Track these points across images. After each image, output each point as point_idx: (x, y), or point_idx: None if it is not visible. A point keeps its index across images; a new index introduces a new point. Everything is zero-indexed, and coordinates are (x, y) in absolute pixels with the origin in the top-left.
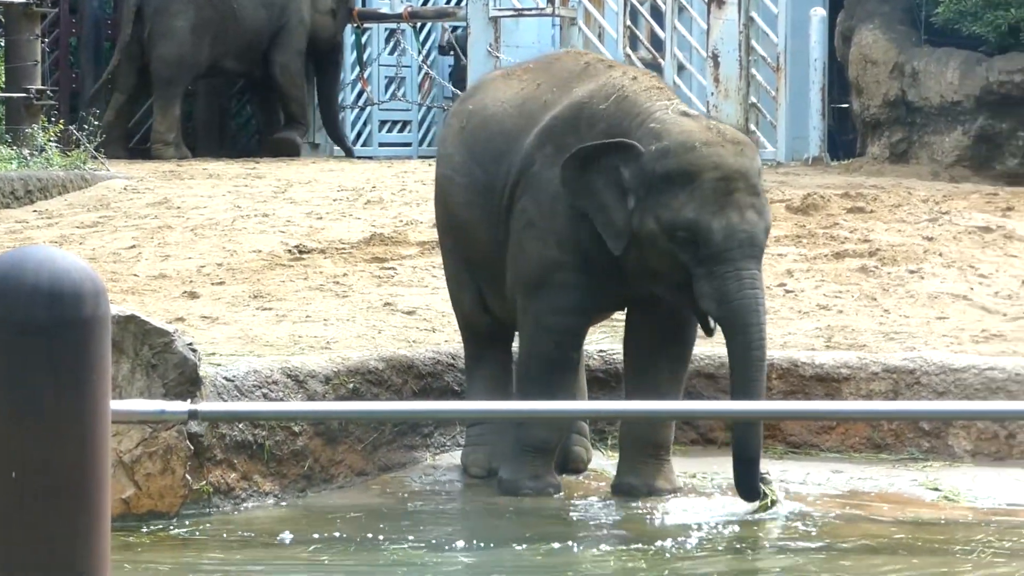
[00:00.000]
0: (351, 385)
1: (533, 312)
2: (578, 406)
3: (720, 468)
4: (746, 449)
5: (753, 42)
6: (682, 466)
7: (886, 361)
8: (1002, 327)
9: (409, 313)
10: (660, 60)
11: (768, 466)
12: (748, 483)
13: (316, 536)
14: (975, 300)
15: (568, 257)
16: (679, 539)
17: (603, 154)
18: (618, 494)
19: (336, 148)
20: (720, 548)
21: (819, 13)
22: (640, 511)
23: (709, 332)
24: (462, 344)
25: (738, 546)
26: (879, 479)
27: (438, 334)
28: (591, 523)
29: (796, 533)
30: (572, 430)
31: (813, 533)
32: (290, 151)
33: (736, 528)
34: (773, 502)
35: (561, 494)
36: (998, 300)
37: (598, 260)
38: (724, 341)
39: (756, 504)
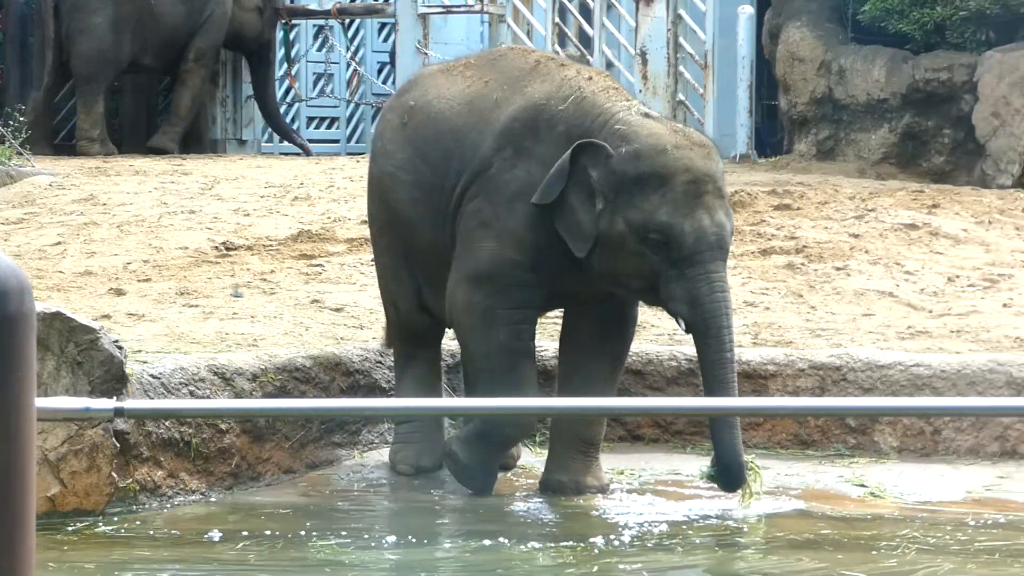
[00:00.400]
0: (278, 382)
1: (483, 305)
2: (530, 403)
3: (647, 465)
4: (728, 441)
5: (681, 39)
6: (610, 463)
7: (813, 358)
8: (928, 324)
9: (337, 310)
10: (589, 57)
11: (693, 463)
12: (730, 475)
13: (243, 534)
14: (901, 297)
15: (524, 257)
16: (608, 536)
17: (574, 156)
18: (546, 491)
19: (265, 144)
20: (649, 545)
21: (747, 11)
22: (569, 508)
23: (687, 329)
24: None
25: (666, 542)
26: (806, 475)
27: (366, 331)
28: (520, 520)
29: (724, 529)
30: None
31: (743, 529)
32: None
33: (664, 525)
34: (755, 494)
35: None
36: (924, 297)
37: (556, 261)
38: (690, 341)
39: (739, 494)
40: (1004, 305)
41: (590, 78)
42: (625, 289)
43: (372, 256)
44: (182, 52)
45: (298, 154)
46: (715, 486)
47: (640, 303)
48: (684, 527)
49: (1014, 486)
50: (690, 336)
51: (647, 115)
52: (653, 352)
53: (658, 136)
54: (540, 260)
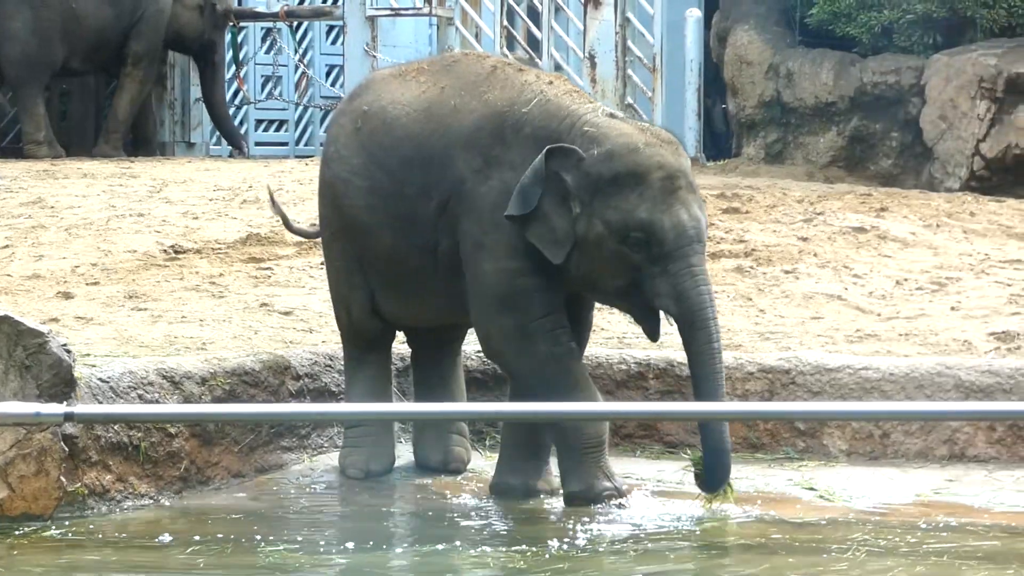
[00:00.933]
0: (227, 386)
1: (512, 327)
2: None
3: None
4: (717, 440)
5: (629, 43)
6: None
7: (761, 361)
8: (876, 327)
9: (286, 314)
10: (537, 60)
11: (643, 466)
12: (716, 475)
13: (193, 538)
14: (850, 300)
15: (523, 263)
16: (559, 539)
17: (545, 162)
18: (496, 494)
19: (213, 147)
20: (600, 548)
21: (695, 14)
22: (520, 512)
23: (655, 336)
24: (341, 345)
25: (617, 546)
26: (755, 478)
27: (315, 335)
28: (471, 524)
29: (674, 533)
30: (452, 430)
31: (695, 532)
32: None
33: (615, 528)
34: (726, 498)
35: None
36: (872, 300)
37: (548, 262)
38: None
39: (707, 497)
40: (952, 308)
41: (551, 82)
42: (602, 292)
43: (322, 259)
44: (117, 54)
45: (247, 157)
46: (684, 484)
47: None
48: (633, 530)
49: (963, 489)
50: (641, 339)
51: (612, 115)
52: (603, 355)
53: (628, 135)
54: (537, 263)
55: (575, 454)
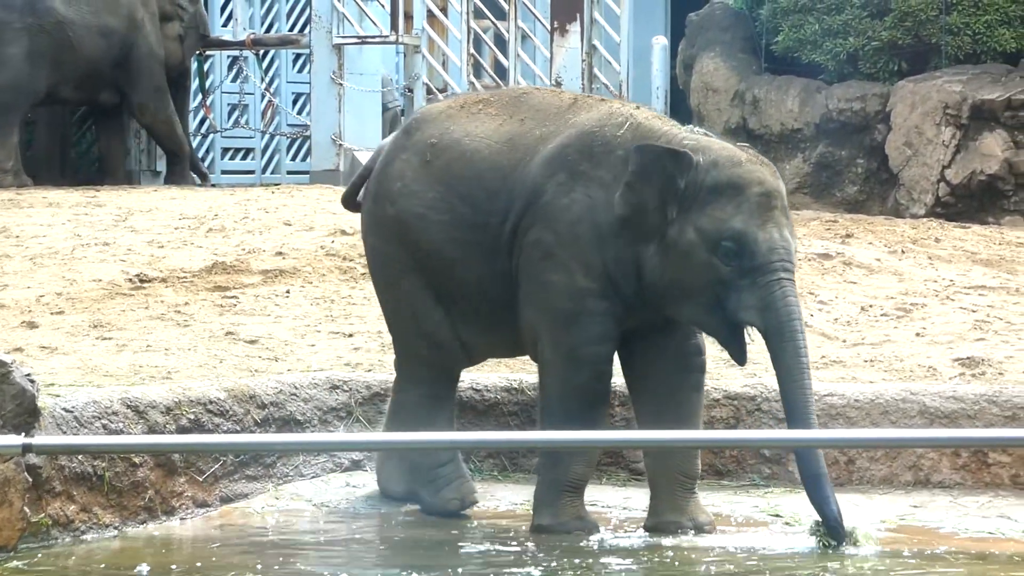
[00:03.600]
0: (192, 415)
1: (567, 345)
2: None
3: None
4: (810, 467)
5: (596, 70)
6: (524, 495)
7: (727, 388)
8: (841, 353)
9: (251, 342)
10: (503, 88)
11: (609, 494)
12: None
13: (161, 568)
14: (815, 326)
15: (595, 284)
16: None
17: (662, 160)
18: (659, 533)
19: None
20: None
21: (661, 41)
22: (476, 535)
23: (742, 359)
24: (394, 380)
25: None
26: (721, 505)
27: (280, 363)
28: (444, 552)
29: (642, 558)
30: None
31: (658, 560)
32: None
33: (580, 557)
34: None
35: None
36: (837, 326)
37: (621, 285)
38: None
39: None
40: (917, 334)
41: (637, 107)
42: (686, 307)
43: (288, 289)
44: (105, 83)
45: (213, 185)
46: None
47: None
48: (602, 559)
49: (928, 515)
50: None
51: (707, 134)
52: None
53: (731, 150)
54: (609, 285)
55: (556, 488)
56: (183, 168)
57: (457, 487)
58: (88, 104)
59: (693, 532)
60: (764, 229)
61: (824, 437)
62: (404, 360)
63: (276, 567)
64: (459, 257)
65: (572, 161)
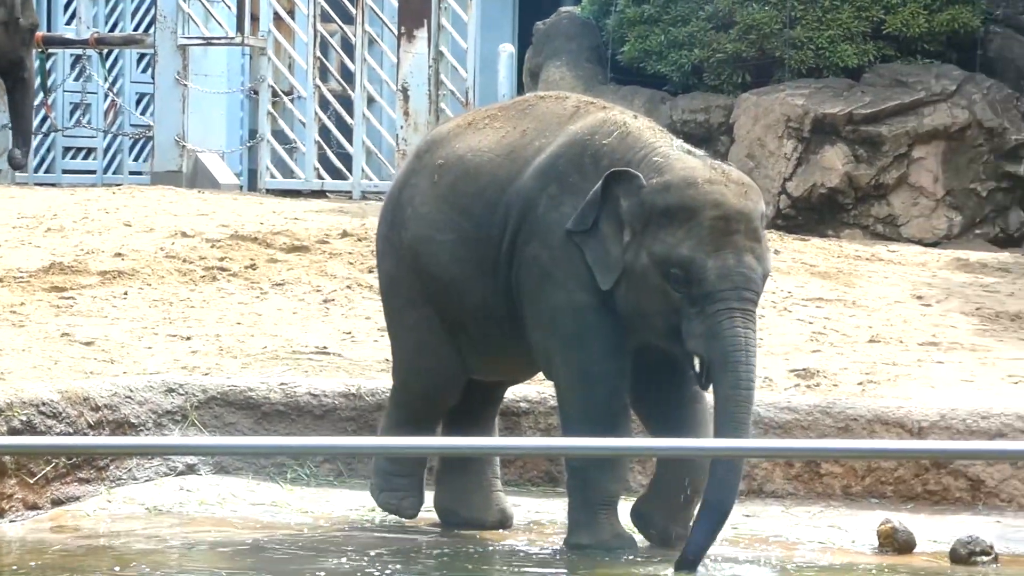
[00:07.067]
0: (24, 417)
1: (578, 366)
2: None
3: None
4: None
5: (443, 76)
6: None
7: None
8: None
9: (88, 344)
10: (350, 92)
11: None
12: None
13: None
14: None
15: (595, 298)
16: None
17: (607, 184)
18: (635, 522)
19: (19, 174)
20: None
21: (507, 49)
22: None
23: (703, 384)
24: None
25: None
26: (556, 512)
27: (116, 365)
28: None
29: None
30: (496, 487)
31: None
32: None
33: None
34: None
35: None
36: None
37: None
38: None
39: None
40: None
41: (635, 116)
42: (648, 330)
43: (127, 290)
44: None
45: (53, 184)
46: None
47: None
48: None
49: (760, 524)
50: None
51: (689, 151)
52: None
53: (691, 170)
54: (610, 299)
55: (590, 508)
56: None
57: (400, 497)
58: None
59: (659, 540)
60: (717, 256)
61: (657, 446)
62: (400, 390)
63: (108, 570)
64: (463, 277)
65: (562, 172)
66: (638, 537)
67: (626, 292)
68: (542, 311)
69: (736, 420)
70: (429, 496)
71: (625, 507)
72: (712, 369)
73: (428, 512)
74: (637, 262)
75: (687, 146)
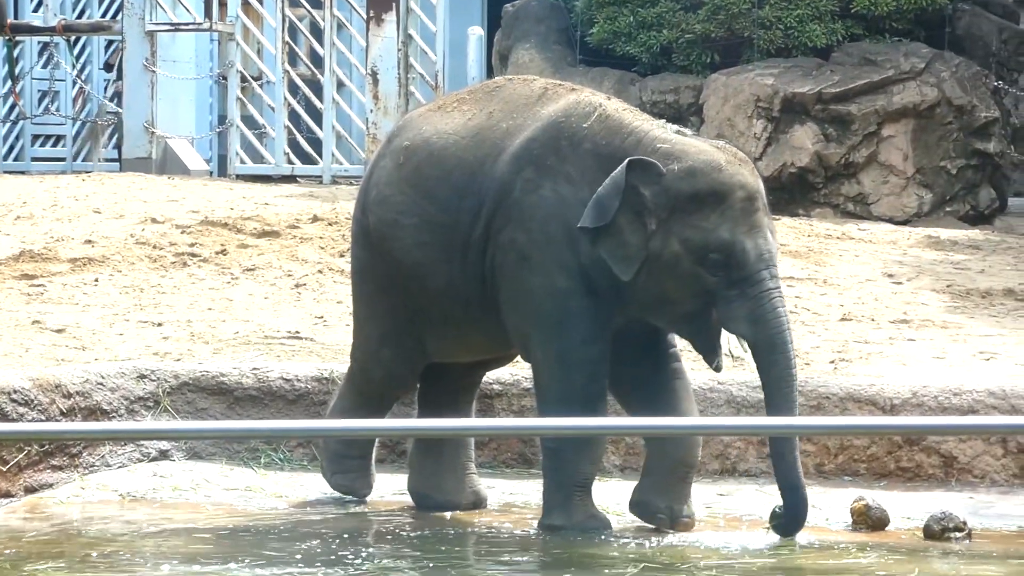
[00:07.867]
0: None
1: (557, 350)
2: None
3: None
4: (787, 477)
5: (412, 60)
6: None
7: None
8: None
9: (59, 331)
10: (319, 76)
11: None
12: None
13: None
14: None
15: (575, 282)
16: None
17: (624, 171)
18: (638, 513)
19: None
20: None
21: (476, 32)
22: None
23: (718, 367)
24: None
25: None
26: (530, 494)
27: (88, 352)
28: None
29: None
30: (470, 469)
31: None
32: None
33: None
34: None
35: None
36: None
37: (599, 282)
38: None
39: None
40: None
41: (608, 97)
42: (667, 316)
43: (97, 277)
44: None
45: (22, 172)
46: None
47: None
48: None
49: (734, 503)
50: None
51: (681, 132)
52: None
53: (709, 153)
54: (589, 282)
55: (565, 489)
56: None
57: (353, 478)
58: None
59: (668, 520)
60: (751, 235)
61: (631, 425)
62: (359, 373)
63: (83, 556)
64: (427, 261)
65: (538, 156)
66: (616, 521)
67: (647, 280)
68: (520, 295)
69: (790, 400)
70: (401, 479)
71: (600, 488)
72: (758, 351)
73: (402, 495)
74: (666, 250)
75: (674, 126)
